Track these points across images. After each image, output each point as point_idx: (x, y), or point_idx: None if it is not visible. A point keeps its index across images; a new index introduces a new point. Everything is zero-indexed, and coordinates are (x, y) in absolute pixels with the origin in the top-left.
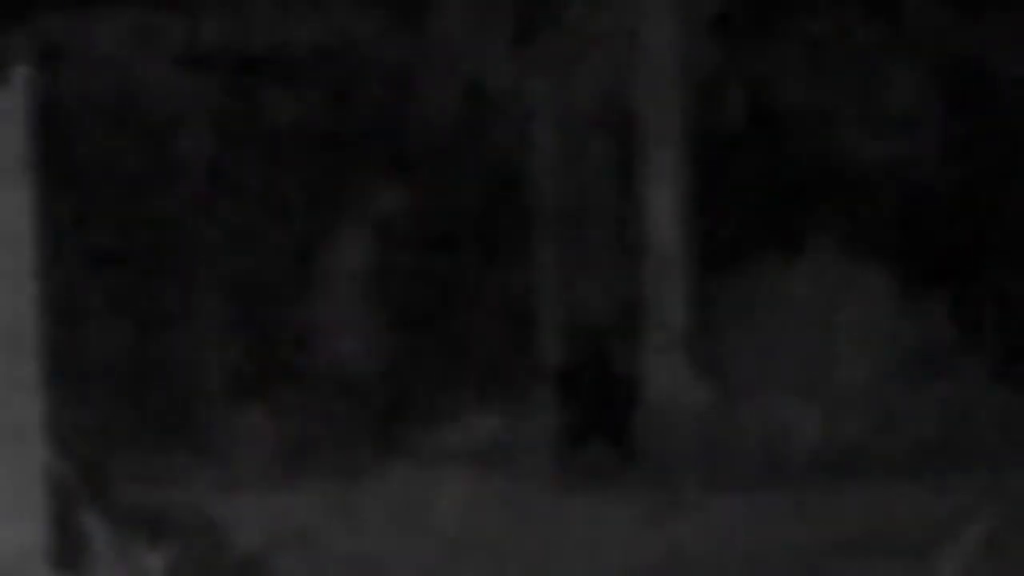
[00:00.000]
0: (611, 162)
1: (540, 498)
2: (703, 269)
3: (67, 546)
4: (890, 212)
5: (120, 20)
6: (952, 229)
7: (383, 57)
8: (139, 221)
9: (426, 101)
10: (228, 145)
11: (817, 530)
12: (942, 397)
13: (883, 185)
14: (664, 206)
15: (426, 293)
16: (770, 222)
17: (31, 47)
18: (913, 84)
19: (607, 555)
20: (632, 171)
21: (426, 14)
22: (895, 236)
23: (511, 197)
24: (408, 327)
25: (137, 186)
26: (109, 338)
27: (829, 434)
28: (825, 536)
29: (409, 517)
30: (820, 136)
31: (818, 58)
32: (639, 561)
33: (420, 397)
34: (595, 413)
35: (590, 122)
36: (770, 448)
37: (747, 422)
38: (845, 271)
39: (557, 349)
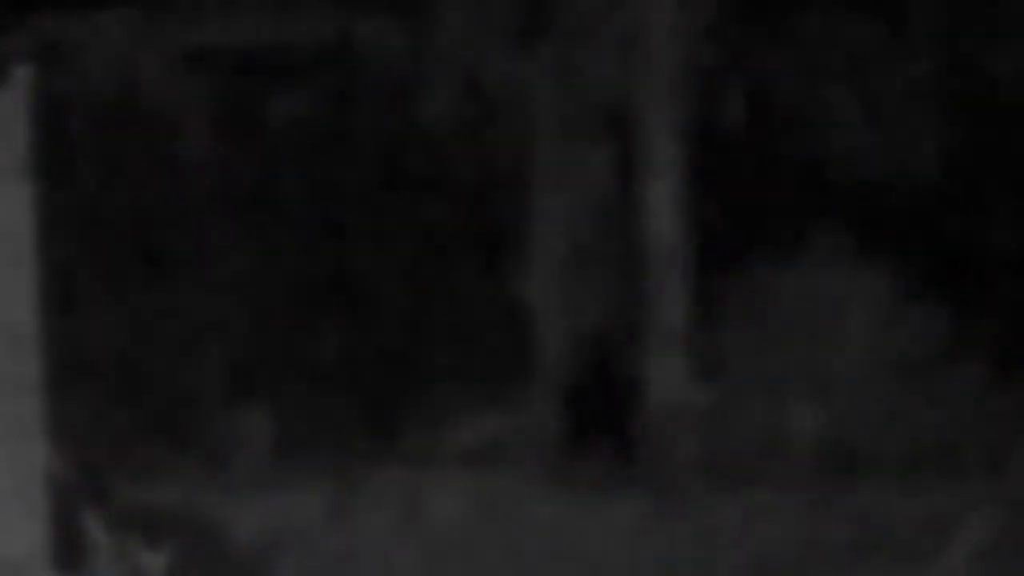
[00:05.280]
0: (611, 162)
1: (540, 498)
2: (703, 269)
3: (67, 546)
4: (890, 212)
5: (120, 20)
6: (953, 229)
7: (383, 57)
8: (139, 220)
9: (426, 101)
10: (228, 144)
11: (817, 530)
12: (942, 398)
13: (884, 185)
14: (664, 206)
15: (426, 293)
16: (770, 222)
17: (31, 47)
18: (913, 84)
19: (607, 556)
20: (632, 171)
21: (427, 14)
22: (895, 236)
23: (510, 195)
24: (406, 326)
25: (137, 186)
26: (109, 337)
27: (829, 434)
28: (825, 536)
29: (408, 517)
30: (820, 136)
31: (818, 58)
32: (639, 562)
33: (420, 397)
34: (595, 413)
35: (591, 122)
36: (770, 448)
37: (747, 422)
38: (845, 271)
39: (557, 349)
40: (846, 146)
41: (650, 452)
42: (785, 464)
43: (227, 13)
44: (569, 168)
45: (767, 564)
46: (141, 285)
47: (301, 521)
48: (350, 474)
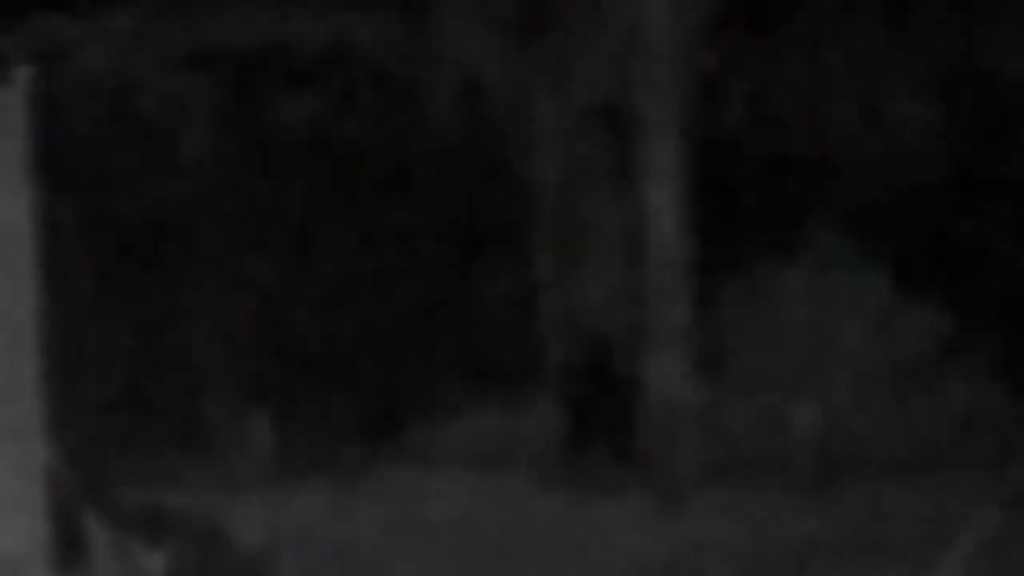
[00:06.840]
0: (611, 162)
1: (540, 498)
2: (703, 269)
3: (67, 546)
4: (890, 212)
5: (120, 20)
6: (953, 230)
7: (383, 57)
8: (139, 221)
9: (426, 101)
10: (227, 144)
11: (817, 530)
12: (942, 397)
13: (883, 185)
14: (664, 206)
15: (426, 293)
16: (770, 221)
17: (31, 47)
18: (913, 84)
19: (607, 554)
20: (632, 171)
21: (427, 14)
22: (895, 236)
23: (511, 196)
24: (407, 327)
25: (137, 186)
26: (110, 338)
27: (829, 434)
28: (825, 536)
29: (409, 517)
30: (820, 137)
31: (818, 58)
32: (639, 560)
33: (421, 397)
34: (595, 412)
35: (590, 121)
36: (770, 447)
37: (747, 421)
38: (845, 271)
39: (557, 349)
40: (846, 147)
41: (650, 452)
42: (785, 464)
43: (228, 14)
44: (569, 168)
45: (767, 564)
46: (142, 285)
47: (303, 520)
48: (352, 474)
